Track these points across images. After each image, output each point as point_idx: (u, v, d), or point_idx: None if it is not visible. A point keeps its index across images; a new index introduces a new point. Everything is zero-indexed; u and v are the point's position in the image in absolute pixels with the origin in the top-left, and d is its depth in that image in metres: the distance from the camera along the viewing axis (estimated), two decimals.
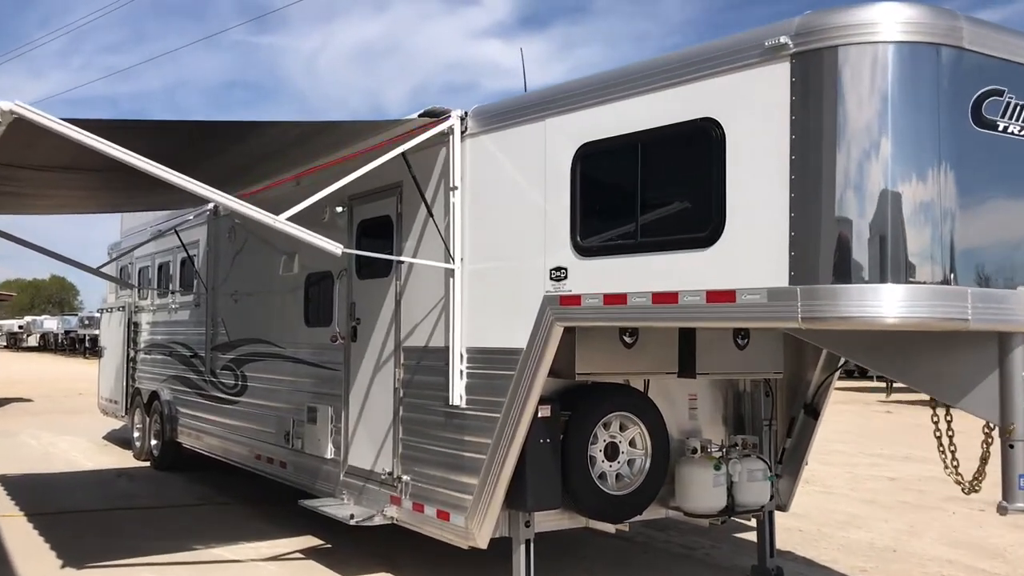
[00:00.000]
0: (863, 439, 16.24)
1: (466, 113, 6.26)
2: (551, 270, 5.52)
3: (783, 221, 4.34)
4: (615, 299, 5.11)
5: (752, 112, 4.50)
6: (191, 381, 11.11)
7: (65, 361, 48.50)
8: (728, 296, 4.54)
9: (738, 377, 6.95)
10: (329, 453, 7.77)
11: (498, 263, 5.98)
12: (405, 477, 6.68)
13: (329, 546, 7.99)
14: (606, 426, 6.27)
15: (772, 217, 4.38)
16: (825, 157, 4.27)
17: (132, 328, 13.55)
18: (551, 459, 5.87)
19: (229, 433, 9.98)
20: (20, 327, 69.63)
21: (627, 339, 6.05)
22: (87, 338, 54.98)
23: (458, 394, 6.15)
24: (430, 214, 6.31)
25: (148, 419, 12.55)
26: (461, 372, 6.16)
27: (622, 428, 6.35)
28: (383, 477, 6.95)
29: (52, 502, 9.84)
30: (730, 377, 6.91)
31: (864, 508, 10.19)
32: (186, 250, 10.89)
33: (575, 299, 5.35)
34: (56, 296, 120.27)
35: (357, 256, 7.54)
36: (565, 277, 5.43)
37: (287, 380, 8.67)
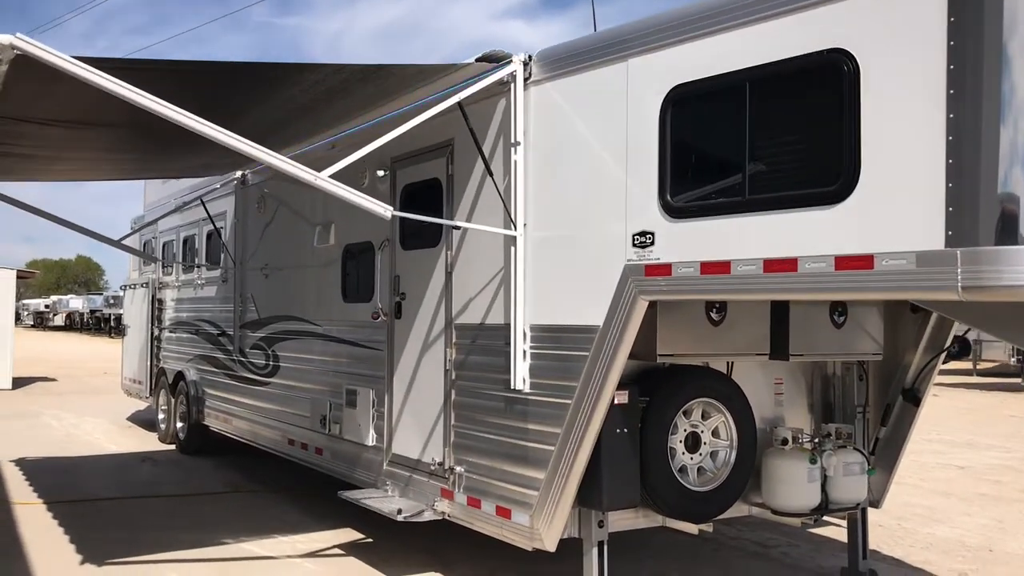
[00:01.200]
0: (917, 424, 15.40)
1: (530, 57, 5.51)
2: (634, 235, 4.78)
3: (937, 170, 3.57)
4: (715, 268, 4.36)
5: (896, 39, 3.72)
6: (219, 361, 10.48)
7: (90, 340, 48.38)
8: (863, 262, 3.78)
9: (834, 359, 6.20)
10: (370, 440, 7.09)
11: (568, 229, 5.24)
12: (458, 468, 5.99)
13: (370, 540, 7.34)
14: (687, 414, 5.55)
15: (922, 165, 3.61)
16: (988, 92, 3.50)
17: (156, 305, 12.96)
18: (629, 451, 5.15)
19: (260, 416, 9.34)
20: (46, 307, 69.75)
21: (714, 316, 5.32)
22: (112, 317, 54.89)
23: (521, 377, 5.43)
24: (489, 173, 5.57)
25: (173, 401, 11.96)
26: (524, 352, 5.44)
27: (704, 416, 5.63)
28: (432, 467, 6.26)
29: (72, 488, 9.26)
30: (826, 359, 6.16)
31: (941, 501, 9.42)
32: (212, 222, 10.23)
33: (664, 268, 4.61)
34: (82, 276, 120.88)
35: (401, 224, 6.84)
36: (651, 243, 4.69)
37: (323, 360, 8.00)
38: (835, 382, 6.48)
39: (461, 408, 6.04)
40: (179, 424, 11.74)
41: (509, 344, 5.50)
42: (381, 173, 7.00)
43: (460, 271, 6.11)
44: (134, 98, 4.36)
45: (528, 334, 5.44)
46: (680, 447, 5.52)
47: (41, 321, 68.81)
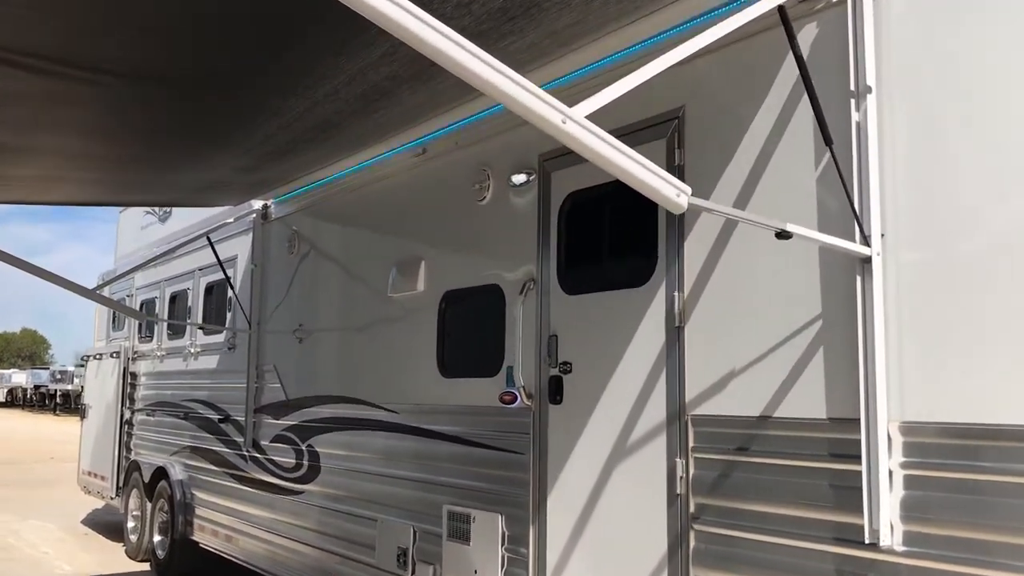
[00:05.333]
0: None
1: None
2: None
3: None
4: None
5: None
6: (219, 456, 7.77)
7: (34, 418, 44.65)
8: None
9: None
10: None
11: (1000, 237, 2.78)
12: None
13: None
14: None
15: None
16: None
17: (129, 380, 10.21)
18: None
19: (284, 538, 6.63)
20: None
21: None
22: (59, 393, 51.26)
23: (885, 521, 2.90)
24: (828, 143, 3.08)
25: (151, 506, 9.12)
26: (890, 475, 2.92)
27: None
28: None
29: None
30: None
31: None
32: (222, 268, 7.61)
33: None
34: (27, 350, 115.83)
35: (563, 253, 4.35)
36: None
37: (400, 463, 5.39)
38: None
39: (713, 565, 3.47)
40: (157, 537, 8.91)
41: (853, 457, 2.99)
42: (520, 179, 4.55)
43: (704, 324, 3.61)
44: None
45: (898, 440, 2.93)
46: None
47: None
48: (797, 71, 3.27)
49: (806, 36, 3.29)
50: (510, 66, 2.24)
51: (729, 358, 3.48)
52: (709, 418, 3.54)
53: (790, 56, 3.31)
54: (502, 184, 4.73)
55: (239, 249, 7.75)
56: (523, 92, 2.25)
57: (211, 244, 7.48)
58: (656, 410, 3.76)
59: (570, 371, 4.23)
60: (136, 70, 3.62)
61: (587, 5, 3.40)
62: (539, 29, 3.54)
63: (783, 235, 2.77)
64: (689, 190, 2.54)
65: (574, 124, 2.34)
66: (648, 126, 3.90)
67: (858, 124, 3.05)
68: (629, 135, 3.99)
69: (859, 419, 2.96)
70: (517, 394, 4.48)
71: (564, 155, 4.35)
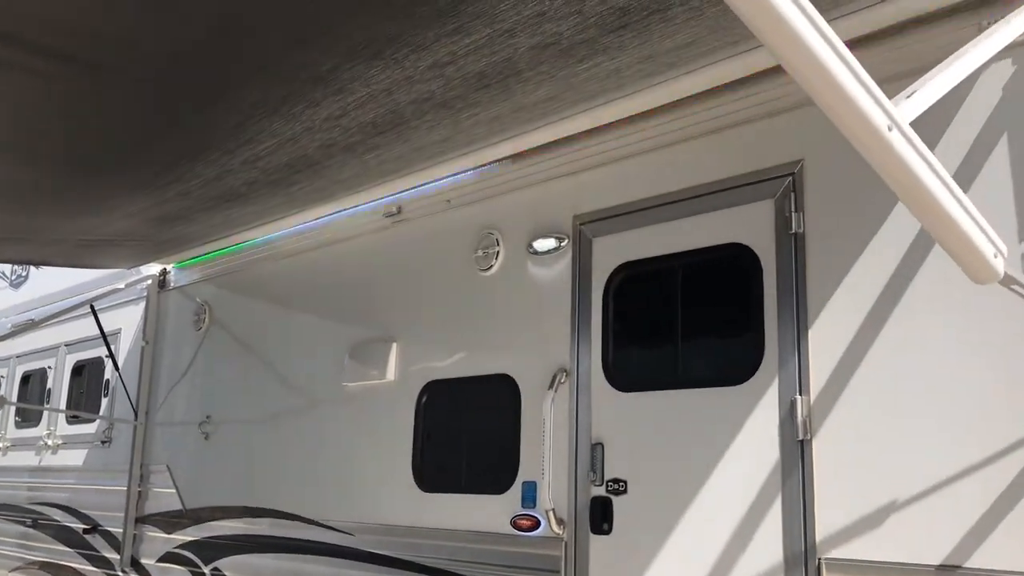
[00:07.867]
0: None
1: None
2: None
3: None
4: None
5: None
6: None
7: None
8: None
9: None
10: None
11: None
12: None
13: None
14: None
15: None
16: None
17: None
18: None
19: None
20: None
21: None
22: None
23: None
24: None
25: None
26: None
27: None
28: None
29: None
30: None
31: None
32: (107, 344, 6.21)
33: None
34: None
35: (611, 337, 3.45)
36: None
37: None
38: None
39: None
40: None
41: None
42: (547, 245, 3.67)
43: (842, 438, 2.76)
44: None
45: None
46: None
47: None
48: (984, 114, 2.58)
49: (995, 77, 2.60)
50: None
51: (883, 485, 2.64)
52: (855, 564, 2.67)
53: (971, 98, 2.62)
54: (517, 250, 3.83)
55: (123, 322, 6.42)
56: (848, 74, 1.38)
57: (95, 314, 6.12)
58: (766, 551, 2.87)
59: (624, 491, 3.29)
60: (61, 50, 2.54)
61: None
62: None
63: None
64: (1006, 250, 1.72)
65: (899, 135, 1.50)
66: (749, 183, 3.11)
67: None
68: (718, 193, 3.20)
69: None
70: (541, 519, 3.49)
71: (611, 217, 3.50)
